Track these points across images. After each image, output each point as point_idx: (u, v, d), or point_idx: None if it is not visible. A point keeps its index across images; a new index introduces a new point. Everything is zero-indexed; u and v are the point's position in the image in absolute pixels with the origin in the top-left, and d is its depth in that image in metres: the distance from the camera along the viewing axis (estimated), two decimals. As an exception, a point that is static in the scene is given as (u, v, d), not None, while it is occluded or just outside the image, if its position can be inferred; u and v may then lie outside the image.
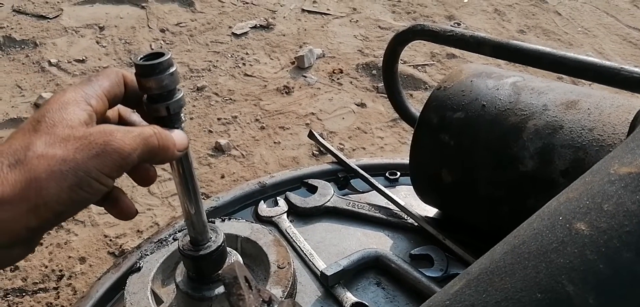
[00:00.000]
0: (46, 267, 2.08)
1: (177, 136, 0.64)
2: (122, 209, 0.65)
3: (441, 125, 0.96)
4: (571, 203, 0.57)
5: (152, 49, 0.66)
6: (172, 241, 1.01)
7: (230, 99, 3.15)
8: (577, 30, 3.99)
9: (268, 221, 1.12)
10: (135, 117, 0.70)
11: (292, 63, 3.50)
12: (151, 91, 0.64)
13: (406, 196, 1.17)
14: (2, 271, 2.06)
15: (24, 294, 1.98)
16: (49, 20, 3.93)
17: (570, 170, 0.78)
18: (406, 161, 1.27)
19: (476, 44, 0.94)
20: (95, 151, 0.53)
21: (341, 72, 3.42)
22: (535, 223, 0.58)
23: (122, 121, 0.68)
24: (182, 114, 0.69)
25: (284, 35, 3.83)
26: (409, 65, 3.44)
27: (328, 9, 4.18)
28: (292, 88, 3.25)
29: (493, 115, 0.90)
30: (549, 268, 0.51)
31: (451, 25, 3.98)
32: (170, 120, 0.67)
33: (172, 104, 0.65)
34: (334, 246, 1.06)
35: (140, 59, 0.63)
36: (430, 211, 1.12)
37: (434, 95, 1.00)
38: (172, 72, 0.64)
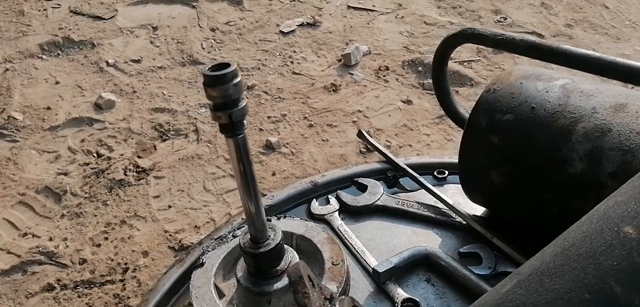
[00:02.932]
0: (112, 260, 2.21)
1: None
2: None
3: (490, 127, 0.97)
4: (619, 207, 0.58)
5: (222, 60, 0.70)
6: (232, 237, 1.06)
7: (279, 97, 3.22)
8: (625, 24, 3.84)
9: (320, 219, 1.16)
10: None
11: (339, 61, 3.54)
12: (215, 100, 0.69)
13: (454, 195, 1.18)
14: (71, 264, 2.21)
15: (92, 286, 2.12)
16: (105, 20, 4.11)
17: (618, 172, 0.79)
18: (454, 159, 1.28)
19: (526, 47, 0.95)
20: None
21: (387, 69, 3.43)
22: (584, 226, 0.60)
23: None
24: (245, 121, 0.74)
25: (330, 33, 3.87)
26: (455, 62, 3.41)
27: (373, 5, 4.19)
28: (339, 86, 3.29)
29: (542, 118, 0.91)
30: (598, 270, 0.53)
31: (497, 20, 3.91)
32: (232, 127, 0.72)
33: (234, 112, 0.70)
34: (385, 243, 1.09)
35: (208, 69, 0.69)
36: (479, 210, 1.13)
37: (483, 97, 1.01)
38: (235, 83, 0.69)
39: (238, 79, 0.69)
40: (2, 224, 2.45)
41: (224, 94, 0.68)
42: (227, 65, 0.68)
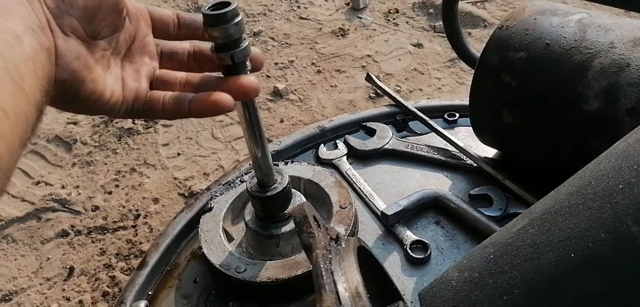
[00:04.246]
0: (123, 207, 2.24)
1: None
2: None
3: (502, 65, 0.94)
4: None
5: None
6: (239, 183, 1.06)
7: (286, 43, 3.17)
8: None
9: (328, 164, 1.16)
10: None
11: (347, 4, 3.46)
12: (216, 40, 0.67)
13: (465, 137, 1.17)
14: (84, 211, 2.25)
15: (105, 231, 2.15)
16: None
17: (636, 109, 0.76)
18: (465, 102, 1.26)
19: (541, -20, 0.91)
20: None
21: (397, 11, 3.35)
22: (601, 164, 0.58)
23: None
24: (247, 62, 0.72)
25: (338, -24, 3.77)
26: (467, 2, 3.32)
27: (383, -54, 4.06)
28: (348, 30, 3.22)
29: (557, 55, 0.87)
30: (615, 209, 0.52)
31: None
32: (236, 69, 0.70)
33: (237, 53, 0.68)
34: (393, 186, 1.09)
35: (207, 8, 0.67)
36: (490, 152, 1.12)
37: (495, 34, 0.98)
38: (237, 22, 0.67)
39: (239, 18, 0.67)
40: (15, 173, 2.48)
41: (225, 33, 0.67)
42: (228, 3, 0.66)
